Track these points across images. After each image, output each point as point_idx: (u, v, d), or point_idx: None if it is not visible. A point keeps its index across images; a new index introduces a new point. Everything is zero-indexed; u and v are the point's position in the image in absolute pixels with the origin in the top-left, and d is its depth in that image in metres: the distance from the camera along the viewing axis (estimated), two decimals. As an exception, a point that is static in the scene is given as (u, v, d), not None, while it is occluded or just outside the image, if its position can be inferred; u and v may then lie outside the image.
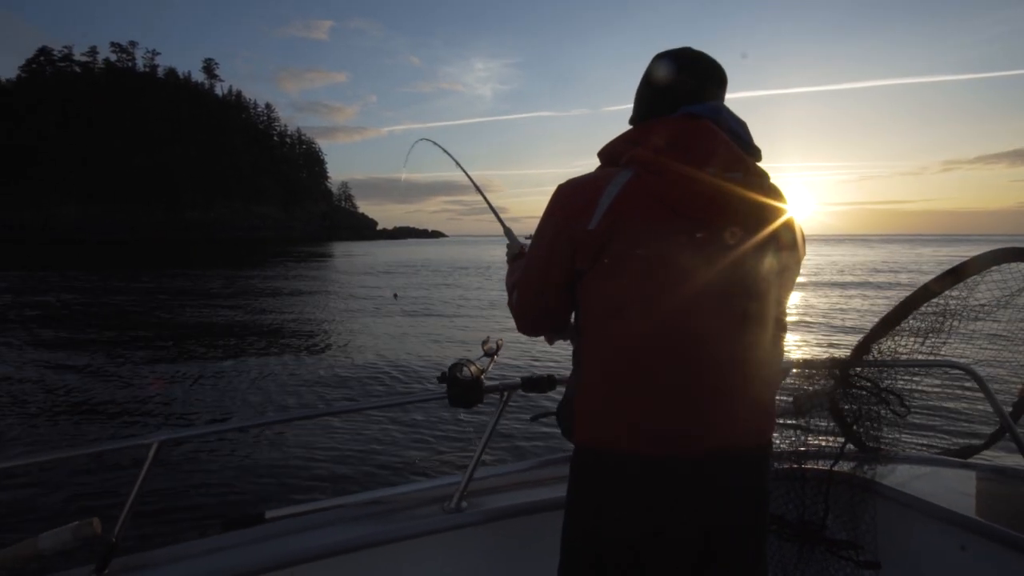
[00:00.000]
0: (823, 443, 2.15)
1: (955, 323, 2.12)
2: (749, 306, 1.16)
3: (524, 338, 1.45)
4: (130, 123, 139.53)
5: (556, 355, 8.76)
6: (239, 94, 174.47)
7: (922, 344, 2.16)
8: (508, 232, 1.93)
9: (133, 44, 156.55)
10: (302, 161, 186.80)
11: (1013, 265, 2.06)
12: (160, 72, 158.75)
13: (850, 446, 2.15)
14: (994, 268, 2.05)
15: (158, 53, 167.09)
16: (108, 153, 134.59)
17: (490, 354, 1.80)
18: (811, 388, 2.18)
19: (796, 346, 11.38)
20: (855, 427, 2.17)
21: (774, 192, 1.21)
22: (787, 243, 1.21)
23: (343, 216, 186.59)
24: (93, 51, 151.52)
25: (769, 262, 1.18)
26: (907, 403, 2.16)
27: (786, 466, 2.06)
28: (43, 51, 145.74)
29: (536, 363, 8.81)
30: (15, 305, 17.68)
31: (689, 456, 1.14)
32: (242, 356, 9.90)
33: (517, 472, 1.96)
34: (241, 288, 23.45)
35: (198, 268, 37.99)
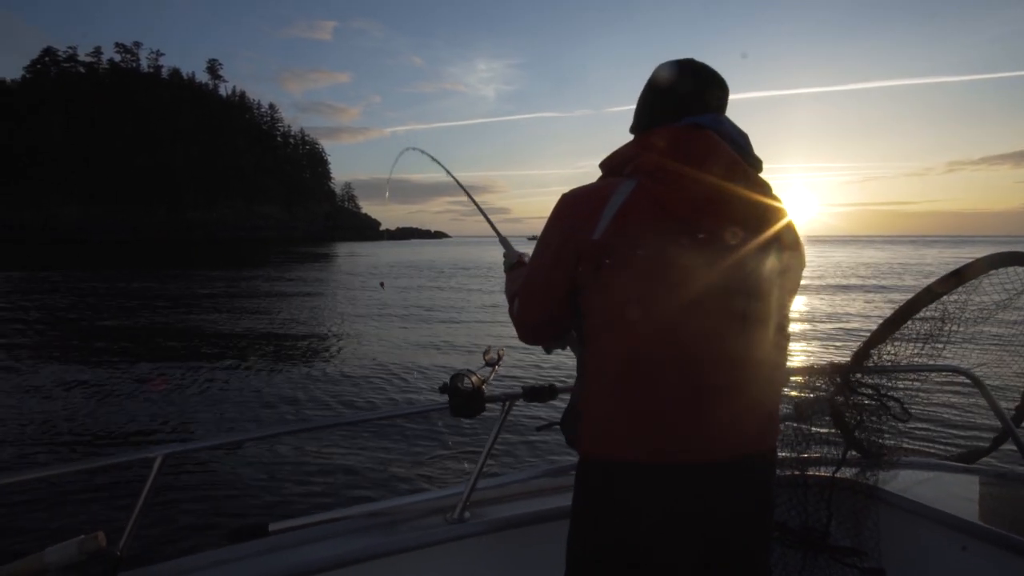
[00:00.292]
0: (825, 449, 2.15)
1: (955, 327, 2.12)
2: (750, 306, 1.16)
3: (525, 347, 1.46)
4: (133, 123, 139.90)
5: (557, 364, 8.78)
6: (243, 94, 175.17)
7: (922, 349, 2.16)
8: (504, 241, 1.94)
9: (137, 44, 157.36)
10: (305, 161, 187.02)
11: (1012, 269, 2.06)
12: (164, 72, 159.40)
13: (852, 452, 2.16)
14: (992, 272, 2.05)
15: (162, 54, 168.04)
16: (111, 153, 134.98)
17: (491, 364, 1.80)
18: (812, 394, 2.18)
19: (798, 351, 11.34)
20: (857, 433, 2.17)
21: (775, 201, 1.23)
22: (789, 244, 1.22)
23: (346, 216, 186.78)
24: (97, 51, 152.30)
25: (771, 263, 1.19)
26: (909, 408, 2.16)
27: (788, 473, 2.06)
28: (48, 51, 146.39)
29: (537, 372, 8.81)
30: (16, 308, 17.74)
31: (694, 463, 1.14)
32: (244, 366, 9.90)
33: (520, 482, 1.96)
34: (243, 291, 23.41)
35: (200, 269, 38.05)
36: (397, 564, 1.64)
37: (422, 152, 2.54)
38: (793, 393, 2.16)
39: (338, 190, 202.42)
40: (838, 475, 2.06)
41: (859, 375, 2.17)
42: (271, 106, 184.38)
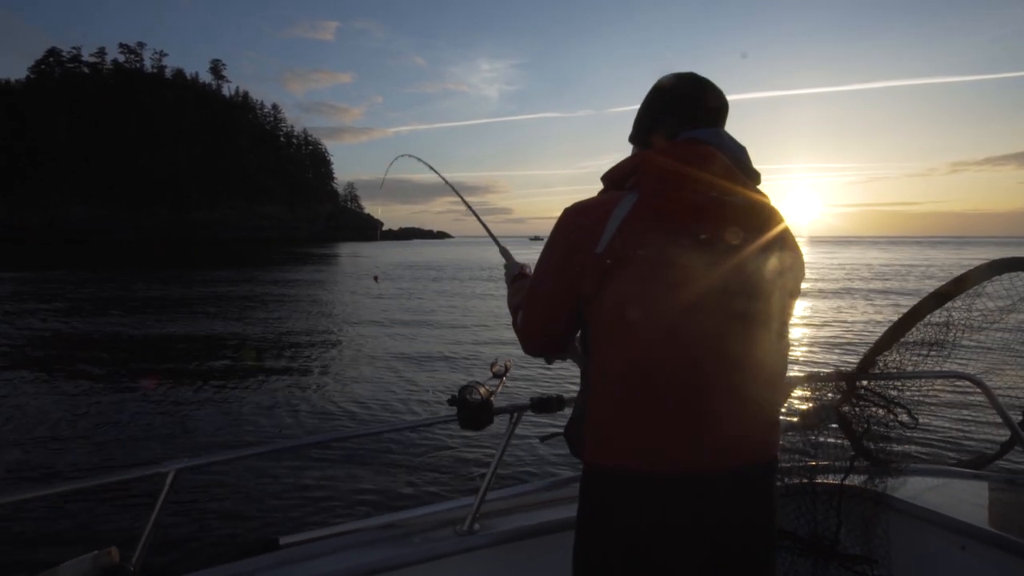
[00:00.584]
0: (833, 457, 2.15)
1: (959, 334, 2.12)
2: (750, 306, 1.18)
3: (532, 359, 1.46)
4: (136, 123, 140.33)
5: (564, 375, 8.79)
6: (246, 95, 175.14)
7: (927, 355, 2.17)
8: (505, 252, 1.94)
9: (141, 45, 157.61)
10: (308, 162, 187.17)
11: (1015, 274, 2.06)
12: (168, 73, 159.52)
13: (860, 460, 2.16)
14: (996, 277, 2.05)
15: (166, 54, 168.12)
16: (114, 153, 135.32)
17: (499, 376, 1.81)
18: (819, 402, 2.18)
19: (804, 359, 11.29)
20: (864, 440, 2.17)
21: (775, 214, 1.26)
22: (787, 248, 1.25)
23: (349, 216, 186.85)
24: (101, 52, 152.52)
25: (771, 264, 1.21)
26: (915, 415, 2.17)
27: (797, 481, 2.06)
28: (52, 52, 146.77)
29: (544, 383, 8.82)
30: (21, 313, 17.82)
31: (698, 472, 1.15)
32: (250, 379, 9.88)
33: (529, 493, 1.97)
34: (246, 296, 23.39)
35: (203, 271, 38.12)
36: None
37: (417, 159, 2.54)
38: (800, 401, 2.17)
39: (340, 190, 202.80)
40: (847, 482, 2.06)
41: (865, 382, 2.18)
42: (274, 106, 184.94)
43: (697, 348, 1.15)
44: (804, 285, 1.36)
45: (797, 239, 1.32)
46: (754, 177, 1.27)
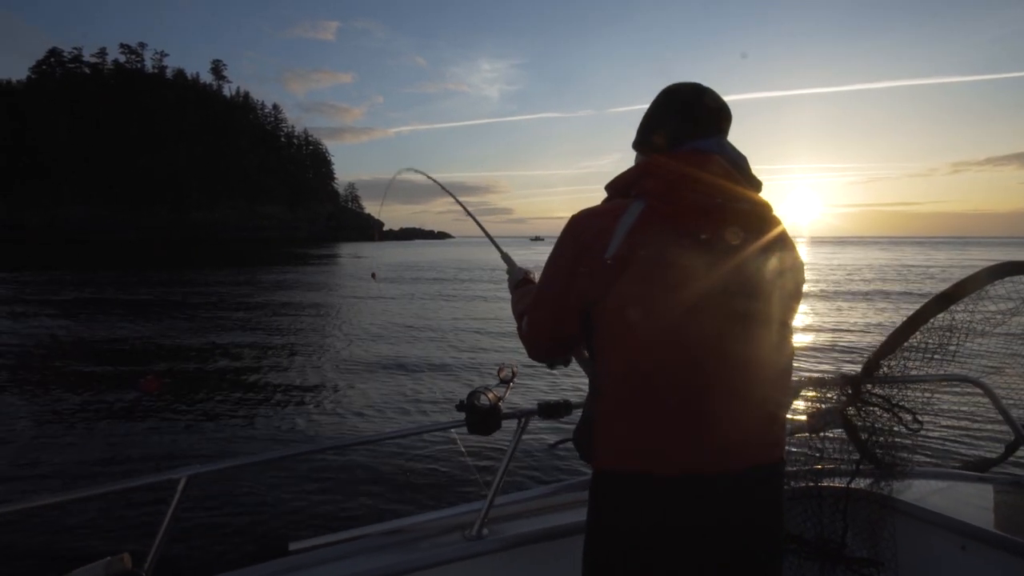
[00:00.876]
0: (839, 460, 2.16)
1: (963, 337, 2.14)
2: (752, 307, 1.20)
3: (539, 365, 1.47)
4: (137, 124, 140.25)
5: (570, 381, 8.80)
6: (247, 95, 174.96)
7: (931, 359, 2.18)
8: (507, 258, 1.95)
9: (142, 45, 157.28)
10: (309, 162, 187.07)
11: (1018, 278, 2.07)
12: (168, 73, 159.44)
13: (865, 463, 2.16)
14: (999, 281, 2.07)
15: (166, 54, 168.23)
16: (115, 153, 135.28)
17: (506, 381, 1.82)
18: (824, 406, 2.19)
19: (808, 363, 11.28)
20: (869, 444, 2.18)
21: (777, 221, 1.30)
22: (789, 249, 1.29)
23: (349, 217, 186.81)
24: (102, 52, 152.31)
25: (773, 265, 1.24)
26: (920, 418, 2.18)
27: (803, 484, 2.07)
28: (53, 52, 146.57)
29: (551, 389, 8.82)
30: (26, 316, 17.82)
31: (707, 474, 1.17)
32: (257, 386, 9.87)
33: (537, 498, 1.98)
34: (251, 299, 23.46)
35: (204, 271, 38.14)
36: None
37: (419, 172, 2.57)
38: (805, 405, 2.17)
39: (341, 191, 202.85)
40: (852, 485, 2.07)
41: (870, 386, 2.18)
42: (275, 106, 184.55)
43: (701, 349, 1.17)
44: (805, 287, 1.38)
45: (797, 240, 1.34)
46: (756, 185, 1.29)
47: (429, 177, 2.57)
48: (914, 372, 2.18)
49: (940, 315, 2.11)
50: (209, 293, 25.08)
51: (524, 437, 1.87)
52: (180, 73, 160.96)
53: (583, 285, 1.21)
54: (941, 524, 1.92)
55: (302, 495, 5.35)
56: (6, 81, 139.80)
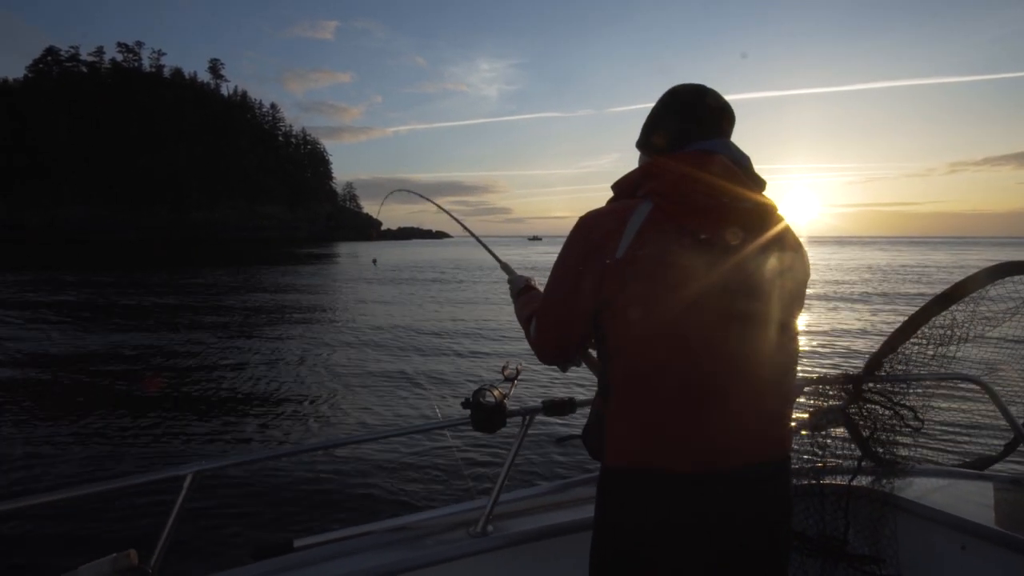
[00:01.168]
0: (841, 458, 2.17)
1: (963, 336, 2.15)
2: (758, 306, 1.21)
3: (543, 363, 1.47)
4: (136, 123, 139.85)
5: (574, 378, 8.80)
6: (244, 94, 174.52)
7: (932, 358, 2.20)
8: (507, 268, 1.96)
9: (139, 44, 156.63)
10: (307, 161, 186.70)
11: (1018, 278, 2.09)
12: (166, 72, 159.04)
13: (867, 461, 2.17)
14: (999, 281, 2.08)
15: (164, 53, 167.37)
16: (113, 153, 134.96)
17: (510, 379, 1.82)
18: (825, 404, 2.20)
19: (805, 360, 11.30)
20: (871, 442, 2.19)
21: (783, 220, 1.31)
22: (794, 249, 1.30)
23: (348, 216, 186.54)
24: (99, 51, 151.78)
25: (779, 265, 1.25)
26: (921, 416, 2.19)
27: (805, 482, 2.08)
28: (50, 51, 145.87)
29: (556, 387, 8.83)
30: (28, 315, 17.79)
31: (717, 472, 1.19)
32: (263, 383, 9.91)
33: (541, 495, 1.98)
34: (252, 297, 23.47)
35: (205, 271, 38.11)
36: None
37: (410, 192, 2.59)
38: (807, 403, 2.18)
39: (340, 190, 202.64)
40: (854, 483, 2.08)
41: (872, 384, 2.19)
42: (273, 106, 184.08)
43: (709, 349, 1.18)
44: (810, 289, 1.40)
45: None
46: (760, 184, 1.31)
47: (423, 197, 2.58)
48: (915, 371, 2.19)
49: (941, 314, 2.12)
50: (212, 293, 25.06)
51: (529, 434, 1.87)
52: (178, 72, 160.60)
53: (594, 285, 1.22)
54: (942, 521, 1.94)
55: (307, 492, 5.35)
56: (2, 80, 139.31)
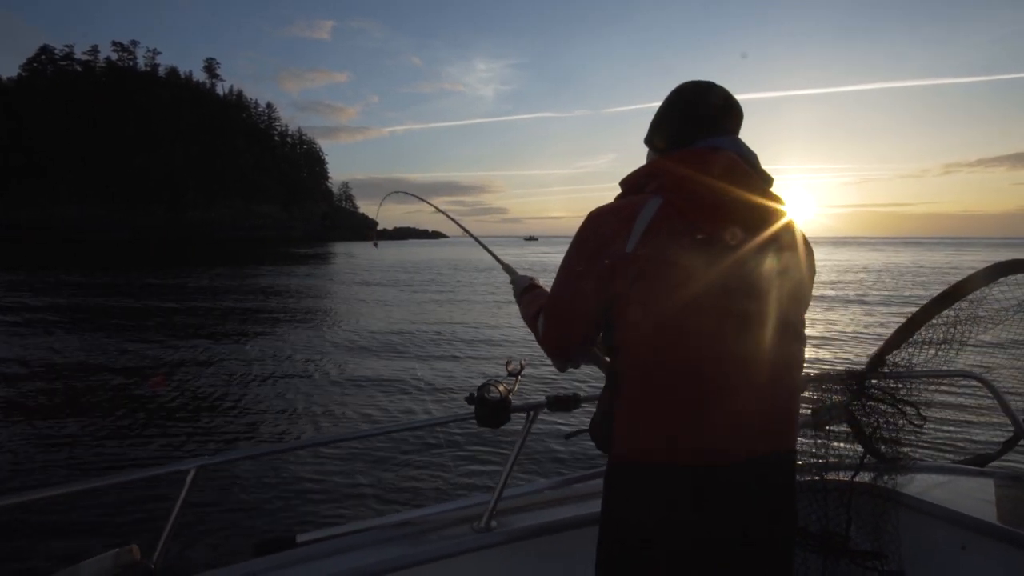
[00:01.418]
0: (843, 454, 2.17)
1: (967, 334, 2.15)
2: (768, 303, 1.22)
3: (546, 358, 1.46)
4: (131, 122, 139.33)
5: (576, 374, 8.79)
6: (240, 94, 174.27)
7: (935, 355, 2.20)
8: (508, 268, 1.94)
9: (134, 43, 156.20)
10: (303, 161, 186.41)
11: (1019, 276, 2.09)
12: (161, 71, 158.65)
13: (870, 457, 2.18)
14: (1003, 279, 2.09)
15: (159, 52, 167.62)
16: (109, 152, 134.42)
17: (514, 374, 1.82)
18: (828, 401, 2.20)
19: (810, 358, 11.31)
20: (873, 438, 2.19)
21: (788, 215, 1.32)
22: (805, 246, 1.32)
23: (344, 216, 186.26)
24: (94, 50, 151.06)
25: (789, 262, 1.27)
26: (923, 413, 2.19)
27: (808, 478, 2.08)
28: (44, 49, 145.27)
29: (558, 382, 8.84)
30: (26, 319, 17.70)
31: (726, 463, 1.20)
32: (266, 378, 9.91)
33: (545, 490, 1.98)
34: (250, 296, 23.43)
35: (201, 270, 38.01)
36: (425, 574, 1.65)
37: (407, 194, 2.57)
38: (810, 399, 2.18)
39: (336, 190, 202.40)
40: (857, 479, 2.08)
41: (874, 381, 2.19)
42: (268, 105, 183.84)
43: (718, 344, 1.19)
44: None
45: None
46: (768, 180, 1.32)
47: (420, 199, 2.56)
48: (919, 368, 2.19)
49: (944, 312, 2.12)
50: (211, 292, 24.99)
51: (532, 430, 1.87)
52: (173, 71, 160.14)
53: (603, 281, 1.22)
54: (944, 518, 1.94)
55: (310, 487, 5.34)
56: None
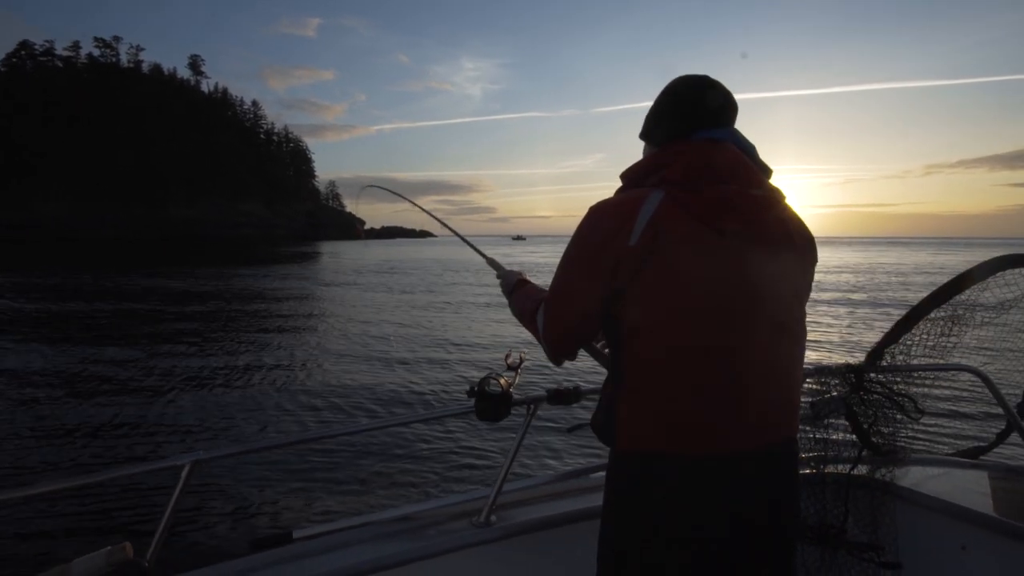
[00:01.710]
0: (841, 447, 2.18)
1: (964, 328, 2.17)
2: (771, 294, 1.24)
3: (539, 350, 1.44)
4: (113, 119, 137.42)
5: (573, 367, 8.80)
6: (225, 91, 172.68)
7: (933, 349, 2.22)
8: (493, 263, 1.91)
9: (117, 39, 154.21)
10: (289, 159, 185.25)
11: (1019, 270, 2.11)
12: (145, 68, 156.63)
13: (868, 450, 2.18)
14: (1000, 273, 2.11)
15: (142, 49, 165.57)
16: (90, 150, 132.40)
17: (514, 367, 1.80)
18: (827, 394, 2.20)
19: (810, 353, 11.42)
20: (871, 431, 2.20)
21: (789, 207, 1.34)
22: (803, 242, 1.32)
23: (330, 215, 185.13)
24: (75, 46, 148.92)
25: (790, 254, 1.28)
26: (921, 406, 2.21)
27: (806, 471, 2.09)
28: (24, 45, 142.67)
29: (557, 375, 8.85)
30: (19, 309, 17.45)
31: (731, 452, 1.20)
32: (262, 375, 9.84)
33: (545, 484, 1.97)
34: (242, 293, 23.28)
35: (194, 269, 37.68)
36: (424, 569, 1.62)
37: (382, 188, 2.55)
38: (809, 392, 2.19)
39: (322, 188, 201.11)
40: (854, 472, 2.09)
41: (872, 375, 2.21)
42: (254, 103, 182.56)
43: (720, 334, 1.20)
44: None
45: None
46: (767, 172, 1.34)
47: (397, 194, 2.54)
48: (917, 362, 2.21)
49: (943, 306, 2.14)
50: (205, 290, 24.84)
51: (532, 423, 1.85)
52: (156, 68, 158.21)
53: (607, 274, 1.22)
54: (940, 509, 1.97)
55: (308, 482, 5.30)
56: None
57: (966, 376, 2.33)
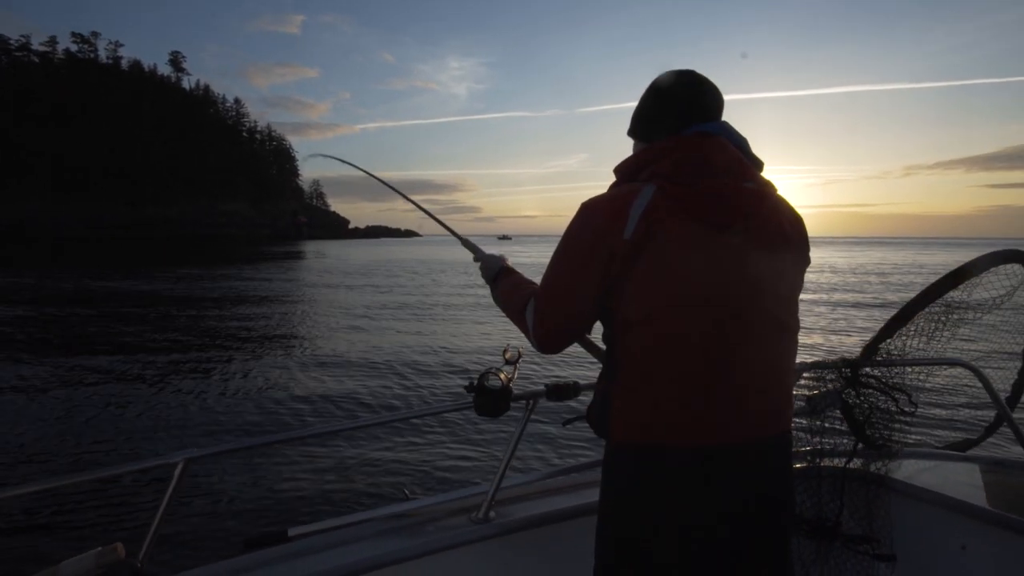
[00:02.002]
0: (837, 441, 2.19)
1: (959, 323, 2.20)
2: (766, 288, 1.24)
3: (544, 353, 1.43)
4: (91, 116, 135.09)
5: (569, 360, 8.80)
6: (207, 88, 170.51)
7: (928, 343, 2.24)
8: (469, 244, 1.85)
9: (95, 35, 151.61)
10: (272, 158, 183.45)
11: (1011, 266, 2.14)
12: (124, 64, 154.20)
13: (863, 444, 2.20)
14: (993, 269, 2.14)
15: (122, 44, 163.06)
16: (67, 147, 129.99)
17: (512, 362, 1.78)
18: (823, 388, 2.22)
19: (805, 349, 11.56)
20: (867, 425, 2.21)
21: (782, 199, 1.35)
22: (797, 236, 1.32)
23: (316, 214, 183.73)
24: (52, 41, 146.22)
25: (783, 247, 1.28)
26: (915, 400, 2.22)
27: (802, 464, 2.10)
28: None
29: (554, 369, 8.84)
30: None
31: (726, 444, 1.21)
32: (257, 371, 9.75)
33: (544, 479, 1.96)
34: (237, 292, 23.12)
35: (179, 268, 37.24)
36: (422, 567, 1.60)
37: (331, 157, 2.50)
38: (805, 386, 2.20)
39: (306, 187, 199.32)
40: (850, 466, 2.10)
41: (867, 369, 2.22)
42: (237, 100, 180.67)
43: (714, 328, 1.20)
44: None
45: None
46: (759, 165, 1.35)
47: (347, 163, 2.44)
48: (911, 356, 2.23)
49: (937, 301, 2.16)
50: (198, 289, 24.65)
51: (531, 419, 1.83)
52: (136, 64, 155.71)
53: (602, 269, 1.22)
54: (934, 502, 1.99)
55: (303, 479, 5.22)
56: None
57: (958, 370, 2.36)
